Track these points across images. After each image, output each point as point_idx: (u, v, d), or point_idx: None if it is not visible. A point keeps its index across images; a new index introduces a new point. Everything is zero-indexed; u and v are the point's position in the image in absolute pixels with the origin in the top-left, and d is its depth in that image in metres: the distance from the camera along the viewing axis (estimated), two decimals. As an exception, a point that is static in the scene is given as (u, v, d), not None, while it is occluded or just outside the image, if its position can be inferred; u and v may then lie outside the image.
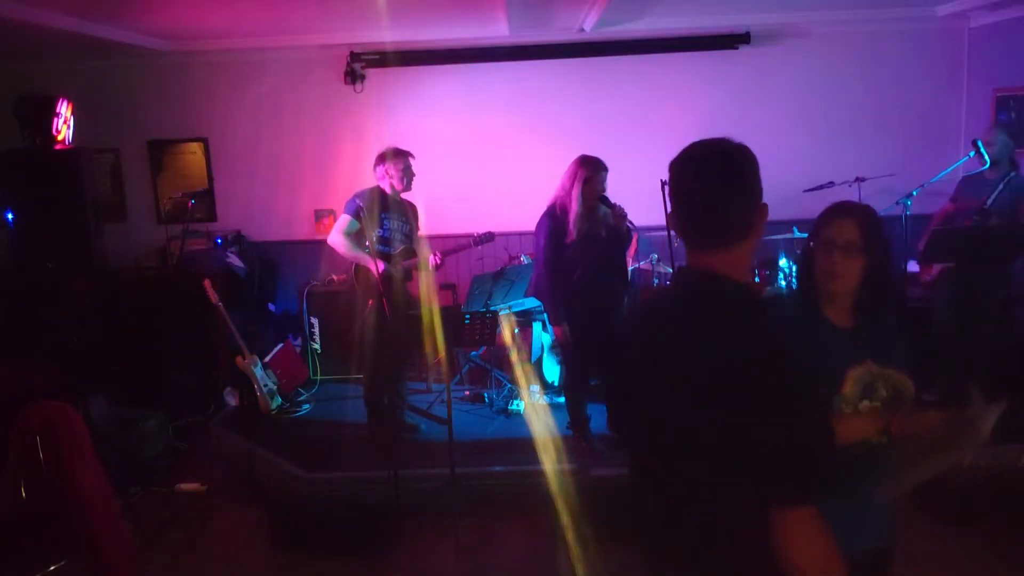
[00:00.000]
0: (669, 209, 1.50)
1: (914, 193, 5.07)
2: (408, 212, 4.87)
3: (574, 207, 4.17)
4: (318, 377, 5.95)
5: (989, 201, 4.70)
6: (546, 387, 5.34)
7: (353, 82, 6.32)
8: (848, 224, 1.95)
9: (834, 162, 5.95)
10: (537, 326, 5.44)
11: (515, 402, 5.23)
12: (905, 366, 1.98)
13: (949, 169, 5.23)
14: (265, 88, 6.40)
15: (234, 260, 6.08)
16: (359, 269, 4.74)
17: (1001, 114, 5.85)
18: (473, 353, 5.68)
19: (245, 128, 6.46)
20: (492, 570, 3.72)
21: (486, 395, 5.42)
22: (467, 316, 4.14)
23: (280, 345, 5.79)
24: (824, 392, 1.84)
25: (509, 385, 5.38)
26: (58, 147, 5.61)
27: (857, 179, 5.76)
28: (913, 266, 5.32)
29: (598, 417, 4.65)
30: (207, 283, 5.20)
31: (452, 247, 4.89)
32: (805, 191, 5.60)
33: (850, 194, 5.67)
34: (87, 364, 4.88)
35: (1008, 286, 4.83)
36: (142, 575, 3.69)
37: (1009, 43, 5.84)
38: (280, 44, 6.16)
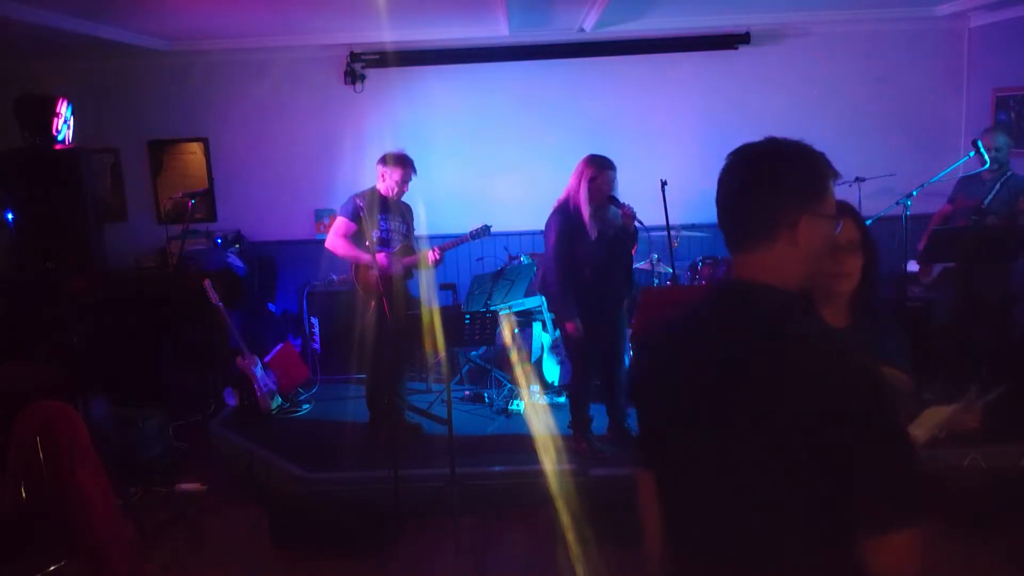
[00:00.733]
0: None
1: (914, 193, 5.07)
2: (405, 212, 4.89)
3: (584, 206, 4.18)
4: (318, 377, 5.95)
5: (986, 200, 4.70)
6: (546, 387, 5.34)
7: (353, 82, 6.32)
8: (849, 223, 1.96)
9: (834, 162, 5.79)
10: (537, 326, 5.44)
11: (515, 402, 5.23)
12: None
13: (949, 169, 5.23)
14: (265, 88, 6.40)
15: (234, 260, 6.08)
16: (359, 269, 4.75)
17: (1001, 114, 5.85)
18: (473, 353, 5.67)
19: (245, 128, 6.46)
20: (492, 570, 3.72)
21: (486, 395, 5.42)
22: (467, 316, 4.14)
23: (280, 345, 5.78)
24: None
25: (509, 385, 5.38)
26: (58, 147, 5.61)
27: (857, 179, 5.77)
28: (913, 266, 5.32)
29: (599, 417, 4.65)
30: (207, 283, 5.20)
31: (450, 242, 4.93)
32: (805, 191, 5.59)
33: (850, 194, 5.68)
34: (87, 364, 4.88)
35: (1008, 286, 4.84)
36: (142, 575, 3.69)
37: (1009, 43, 5.84)
38: (280, 44, 6.16)
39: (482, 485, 4.18)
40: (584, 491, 4.01)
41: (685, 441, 1.41)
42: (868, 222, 2.11)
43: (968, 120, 6.28)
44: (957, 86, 6.34)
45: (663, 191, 4.62)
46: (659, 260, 5.74)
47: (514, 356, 5.22)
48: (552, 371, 5.37)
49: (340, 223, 4.69)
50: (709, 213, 5.35)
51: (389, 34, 5.96)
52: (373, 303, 4.59)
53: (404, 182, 4.73)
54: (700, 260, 5.75)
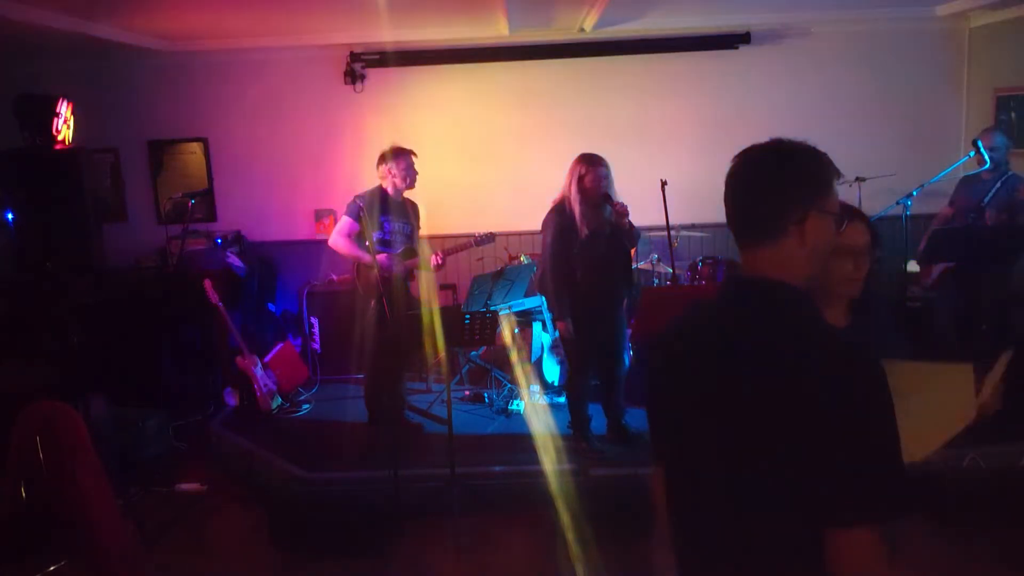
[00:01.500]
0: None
1: (914, 193, 5.07)
2: (409, 212, 4.87)
3: (576, 204, 4.19)
4: (318, 377, 5.95)
5: (985, 200, 4.71)
6: (546, 387, 5.35)
7: (353, 82, 6.32)
8: (860, 228, 1.96)
9: (834, 162, 5.94)
10: (537, 326, 5.44)
11: (515, 402, 5.23)
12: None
13: (949, 169, 5.24)
14: (265, 88, 6.40)
15: (234, 260, 6.08)
16: (361, 269, 4.74)
17: (1001, 114, 5.85)
18: (473, 353, 5.68)
19: (245, 128, 6.46)
20: (492, 570, 3.72)
21: (486, 395, 5.42)
22: (467, 316, 4.14)
23: (280, 345, 5.79)
24: None
25: (509, 385, 5.38)
26: (58, 147, 5.60)
27: (857, 179, 5.77)
28: (913, 266, 5.32)
29: (598, 417, 4.65)
30: (207, 283, 5.20)
31: (453, 247, 4.90)
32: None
33: (850, 194, 5.68)
34: (87, 364, 4.87)
35: (1008, 286, 4.84)
36: (142, 575, 3.69)
37: (1009, 43, 5.84)
38: (280, 44, 6.16)
39: (482, 485, 4.18)
40: (584, 491, 4.02)
41: (696, 435, 1.43)
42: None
43: (968, 120, 6.29)
44: (957, 86, 6.34)
45: (663, 191, 4.62)
46: (659, 260, 5.75)
47: (514, 356, 5.22)
48: (552, 371, 5.37)
49: (344, 222, 4.69)
50: (709, 213, 5.40)
51: (389, 34, 5.97)
52: (373, 303, 4.59)
53: (411, 168, 4.72)
54: (700, 260, 5.75)
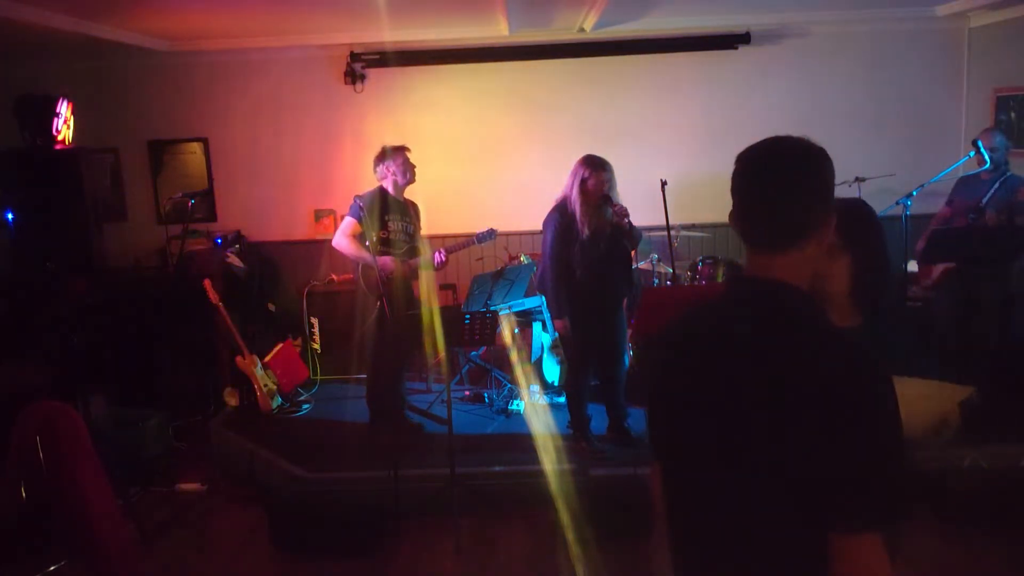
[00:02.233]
0: (732, 207, 1.45)
1: (914, 193, 5.07)
2: (410, 211, 4.87)
3: (577, 206, 4.20)
4: (318, 377, 5.95)
5: (985, 200, 4.71)
6: (546, 387, 5.35)
7: (353, 82, 6.33)
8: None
9: (834, 162, 5.94)
10: (537, 326, 5.44)
11: (515, 402, 5.23)
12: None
13: (949, 169, 5.24)
14: (265, 88, 6.41)
15: (234, 260, 6.08)
16: (363, 268, 4.74)
17: (1001, 114, 5.85)
18: (473, 353, 5.68)
19: (245, 128, 6.46)
20: (492, 570, 3.72)
21: (486, 395, 5.42)
22: (467, 316, 4.14)
23: (280, 345, 5.79)
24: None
25: (509, 385, 5.38)
26: (58, 147, 5.62)
27: (857, 179, 5.77)
28: (913, 266, 5.32)
29: (598, 417, 4.66)
30: (207, 283, 5.20)
31: (455, 245, 4.92)
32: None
33: (850, 194, 5.68)
34: (87, 364, 4.88)
35: (1008, 286, 4.84)
36: (142, 575, 3.69)
37: (1009, 43, 5.84)
38: (280, 44, 6.16)
39: (482, 485, 4.18)
40: (584, 491, 4.02)
41: (700, 435, 1.41)
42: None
43: (968, 120, 6.28)
44: (957, 86, 6.34)
45: (663, 191, 4.62)
46: (659, 260, 5.75)
47: (514, 356, 5.22)
48: (552, 371, 5.37)
49: (346, 223, 4.69)
50: (709, 213, 5.41)
51: (389, 34, 5.97)
52: (375, 302, 4.59)
53: (408, 162, 4.72)
54: (700, 260, 5.75)
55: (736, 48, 6.22)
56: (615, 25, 6.04)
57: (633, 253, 4.63)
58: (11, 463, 3.21)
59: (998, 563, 3.57)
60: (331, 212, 6.45)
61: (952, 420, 4.23)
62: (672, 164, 5.90)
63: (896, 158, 6.06)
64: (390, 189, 4.74)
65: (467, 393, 5.56)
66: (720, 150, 6.67)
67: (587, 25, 5.92)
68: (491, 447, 4.65)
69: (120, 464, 4.36)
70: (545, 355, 5.38)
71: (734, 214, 1.43)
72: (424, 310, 4.26)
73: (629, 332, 4.76)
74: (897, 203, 5.14)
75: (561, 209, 4.30)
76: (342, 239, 4.68)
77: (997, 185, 4.71)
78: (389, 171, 4.70)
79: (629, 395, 4.66)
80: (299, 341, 6.04)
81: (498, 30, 5.97)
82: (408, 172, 4.73)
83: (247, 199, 6.56)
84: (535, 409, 5.11)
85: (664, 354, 1.54)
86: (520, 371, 5.20)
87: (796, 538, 1.29)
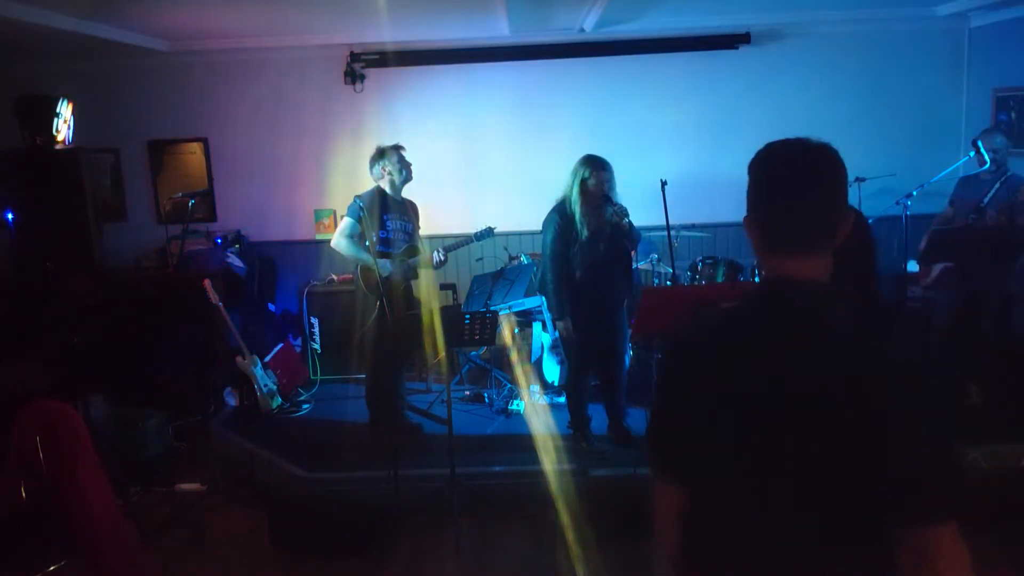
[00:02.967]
0: (749, 211, 1.42)
1: (914, 193, 5.07)
2: (409, 211, 4.87)
3: (578, 205, 4.20)
4: (318, 377, 5.95)
5: (985, 200, 4.71)
6: (546, 387, 5.34)
7: (353, 82, 6.32)
8: None
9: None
10: (537, 326, 5.44)
11: (515, 402, 5.23)
12: None
13: (949, 169, 5.24)
14: (265, 88, 6.40)
15: (234, 260, 6.08)
16: (362, 269, 4.75)
17: (1001, 114, 5.85)
18: (473, 353, 5.68)
19: (245, 128, 6.46)
20: (492, 570, 3.73)
21: (486, 395, 5.42)
22: (467, 316, 4.14)
23: (280, 345, 5.79)
24: None
25: (509, 385, 5.38)
26: (58, 147, 5.62)
27: (857, 179, 5.77)
28: (913, 266, 5.32)
29: (598, 417, 4.65)
30: (207, 283, 5.20)
31: (454, 244, 4.93)
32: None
33: (850, 194, 5.67)
34: (87, 364, 4.88)
35: (1008, 286, 4.84)
36: (142, 575, 3.69)
37: (1009, 43, 5.84)
38: (280, 44, 6.16)
39: (482, 485, 4.18)
40: (584, 491, 4.02)
41: (760, 453, 1.34)
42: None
43: (968, 120, 6.28)
44: (957, 86, 6.34)
45: (663, 191, 4.62)
46: (659, 260, 5.74)
47: (514, 356, 5.22)
48: (552, 371, 5.37)
49: (345, 223, 4.69)
50: (709, 213, 5.41)
51: (389, 34, 5.97)
52: (375, 302, 4.59)
53: (404, 160, 4.72)
54: (700, 260, 5.75)
55: (736, 48, 6.22)
56: (615, 25, 6.04)
57: (633, 253, 4.63)
58: (11, 463, 3.21)
59: (998, 563, 3.57)
60: (331, 212, 6.45)
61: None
62: (672, 164, 5.90)
63: (896, 158, 6.06)
64: (388, 189, 4.74)
65: (467, 393, 5.56)
66: (720, 150, 6.70)
67: (587, 25, 5.92)
68: (491, 447, 4.66)
69: (120, 464, 4.36)
70: (545, 355, 5.38)
71: (760, 216, 1.40)
72: (424, 310, 4.26)
73: (629, 333, 4.75)
74: (897, 203, 5.14)
75: (560, 209, 4.30)
76: (340, 240, 4.68)
77: (998, 185, 4.70)
78: (385, 171, 4.70)
79: (629, 395, 4.66)
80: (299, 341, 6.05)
81: (498, 30, 5.97)
82: (404, 170, 4.72)
83: (247, 199, 6.56)
84: (535, 409, 5.11)
85: (698, 363, 1.45)
86: (520, 371, 5.20)
87: (873, 543, 1.29)
